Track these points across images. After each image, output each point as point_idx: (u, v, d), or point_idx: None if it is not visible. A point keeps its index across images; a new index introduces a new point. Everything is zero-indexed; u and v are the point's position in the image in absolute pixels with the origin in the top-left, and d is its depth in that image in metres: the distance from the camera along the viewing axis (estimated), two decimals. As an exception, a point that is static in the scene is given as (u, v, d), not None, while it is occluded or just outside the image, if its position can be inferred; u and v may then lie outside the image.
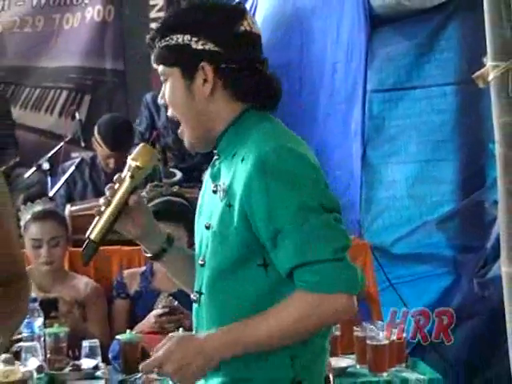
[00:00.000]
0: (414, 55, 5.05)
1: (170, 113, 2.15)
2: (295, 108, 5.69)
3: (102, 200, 2.09)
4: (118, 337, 3.65)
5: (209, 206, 2.12)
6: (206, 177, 2.21)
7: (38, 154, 6.15)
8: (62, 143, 6.23)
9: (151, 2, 7.28)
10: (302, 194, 1.95)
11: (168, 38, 2.08)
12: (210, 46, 2.06)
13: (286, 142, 2.02)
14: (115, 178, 2.12)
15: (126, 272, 4.24)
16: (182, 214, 3.99)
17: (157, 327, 3.85)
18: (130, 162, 2.11)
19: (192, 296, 2.16)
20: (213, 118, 2.10)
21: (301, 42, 5.80)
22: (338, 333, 3.62)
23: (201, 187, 2.25)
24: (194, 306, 2.16)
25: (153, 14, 7.34)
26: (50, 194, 5.24)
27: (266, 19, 6.36)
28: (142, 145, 2.17)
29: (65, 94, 7.58)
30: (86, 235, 2.08)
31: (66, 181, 5.42)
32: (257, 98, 2.10)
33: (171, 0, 7.20)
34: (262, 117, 2.10)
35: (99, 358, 3.59)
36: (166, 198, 4.18)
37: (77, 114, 6.73)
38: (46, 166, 5.73)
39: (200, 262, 2.12)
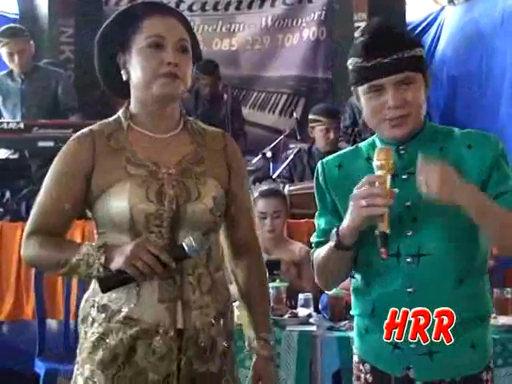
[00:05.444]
0: None
1: (402, 112, 1.98)
2: (475, 108, 5.60)
3: (379, 200, 1.89)
4: (326, 292, 3.60)
5: (404, 189, 1.96)
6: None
7: (263, 144, 6.22)
8: (281, 136, 6.30)
9: (356, 24, 7.19)
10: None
11: (413, 50, 1.98)
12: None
13: None
14: (373, 179, 1.93)
15: (332, 241, 4.18)
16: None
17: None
18: (383, 162, 1.92)
19: (408, 259, 2.00)
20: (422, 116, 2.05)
21: (480, 55, 5.70)
22: (509, 296, 3.47)
23: None
24: (408, 266, 2.00)
25: (357, 34, 7.24)
26: (274, 176, 5.27)
27: (450, 35, 6.28)
28: (383, 148, 1.98)
29: (284, 97, 7.68)
30: (380, 231, 1.90)
31: (287, 165, 5.41)
32: None
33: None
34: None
35: (312, 308, 3.57)
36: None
37: (294, 114, 6.77)
38: (268, 154, 5.79)
39: (408, 234, 1.99)
